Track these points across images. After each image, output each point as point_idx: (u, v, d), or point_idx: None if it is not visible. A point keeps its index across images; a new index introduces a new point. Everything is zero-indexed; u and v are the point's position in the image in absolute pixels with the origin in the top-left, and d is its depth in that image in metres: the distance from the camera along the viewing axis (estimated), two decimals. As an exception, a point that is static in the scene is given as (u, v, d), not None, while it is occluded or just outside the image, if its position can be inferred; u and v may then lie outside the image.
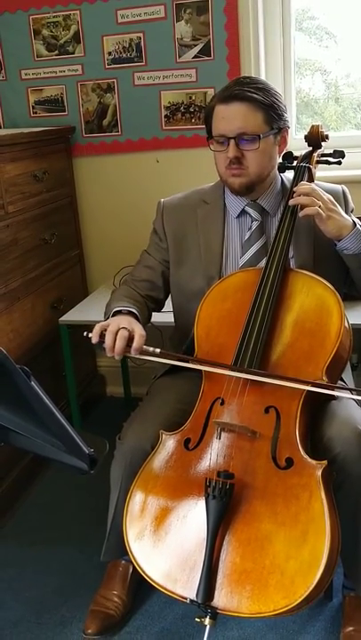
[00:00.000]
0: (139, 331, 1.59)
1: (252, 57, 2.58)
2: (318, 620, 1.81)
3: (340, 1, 2.68)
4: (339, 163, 1.83)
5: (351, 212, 1.83)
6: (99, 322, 1.63)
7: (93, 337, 1.58)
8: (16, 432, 1.26)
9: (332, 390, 1.54)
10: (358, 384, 2.03)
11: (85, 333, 1.61)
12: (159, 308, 1.95)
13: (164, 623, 1.83)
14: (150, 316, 1.87)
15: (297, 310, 1.60)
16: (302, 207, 1.63)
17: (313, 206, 1.60)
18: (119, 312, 1.70)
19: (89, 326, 1.62)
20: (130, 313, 1.70)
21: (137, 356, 1.58)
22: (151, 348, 1.58)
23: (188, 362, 1.65)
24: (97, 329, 1.59)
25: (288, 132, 1.78)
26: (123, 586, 1.86)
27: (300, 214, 1.64)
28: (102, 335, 1.59)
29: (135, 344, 1.56)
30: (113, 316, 1.69)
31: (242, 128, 1.67)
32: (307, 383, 1.49)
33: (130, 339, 1.57)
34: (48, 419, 1.17)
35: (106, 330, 1.58)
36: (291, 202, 1.66)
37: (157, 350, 1.58)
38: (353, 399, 1.66)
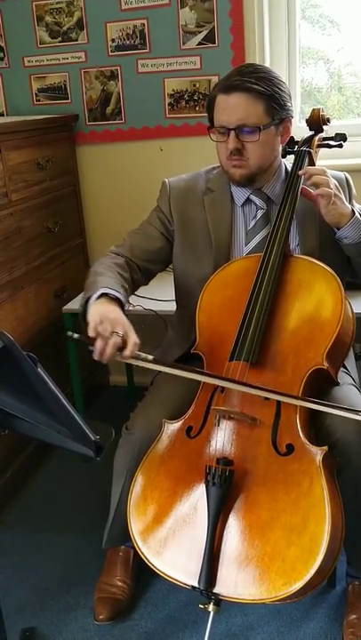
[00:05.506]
0: (133, 338, 1.49)
1: (256, 44, 2.55)
2: (321, 607, 1.82)
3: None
4: (340, 146, 1.82)
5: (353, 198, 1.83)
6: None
7: (89, 340, 1.48)
8: (21, 419, 1.26)
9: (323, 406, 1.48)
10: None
11: (70, 334, 1.52)
12: (146, 282, 1.89)
13: (167, 610, 1.85)
14: (132, 293, 1.79)
15: (297, 296, 1.60)
16: (316, 186, 1.61)
17: (328, 187, 1.59)
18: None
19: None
20: (116, 300, 1.60)
21: (127, 362, 1.49)
22: (143, 354, 1.48)
23: (181, 370, 1.51)
24: (92, 331, 1.48)
25: (291, 122, 1.75)
26: (125, 570, 1.87)
27: (316, 192, 1.61)
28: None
29: (127, 352, 1.47)
30: (99, 296, 1.58)
31: (242, 120, 1.65)
32: (298, 399, 1.47)
33: (123, 345, 1.48)
34: (54, 405, 1.17)
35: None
36: (308, 182, 1.63)
37: (150, 357, 1.49)
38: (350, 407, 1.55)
